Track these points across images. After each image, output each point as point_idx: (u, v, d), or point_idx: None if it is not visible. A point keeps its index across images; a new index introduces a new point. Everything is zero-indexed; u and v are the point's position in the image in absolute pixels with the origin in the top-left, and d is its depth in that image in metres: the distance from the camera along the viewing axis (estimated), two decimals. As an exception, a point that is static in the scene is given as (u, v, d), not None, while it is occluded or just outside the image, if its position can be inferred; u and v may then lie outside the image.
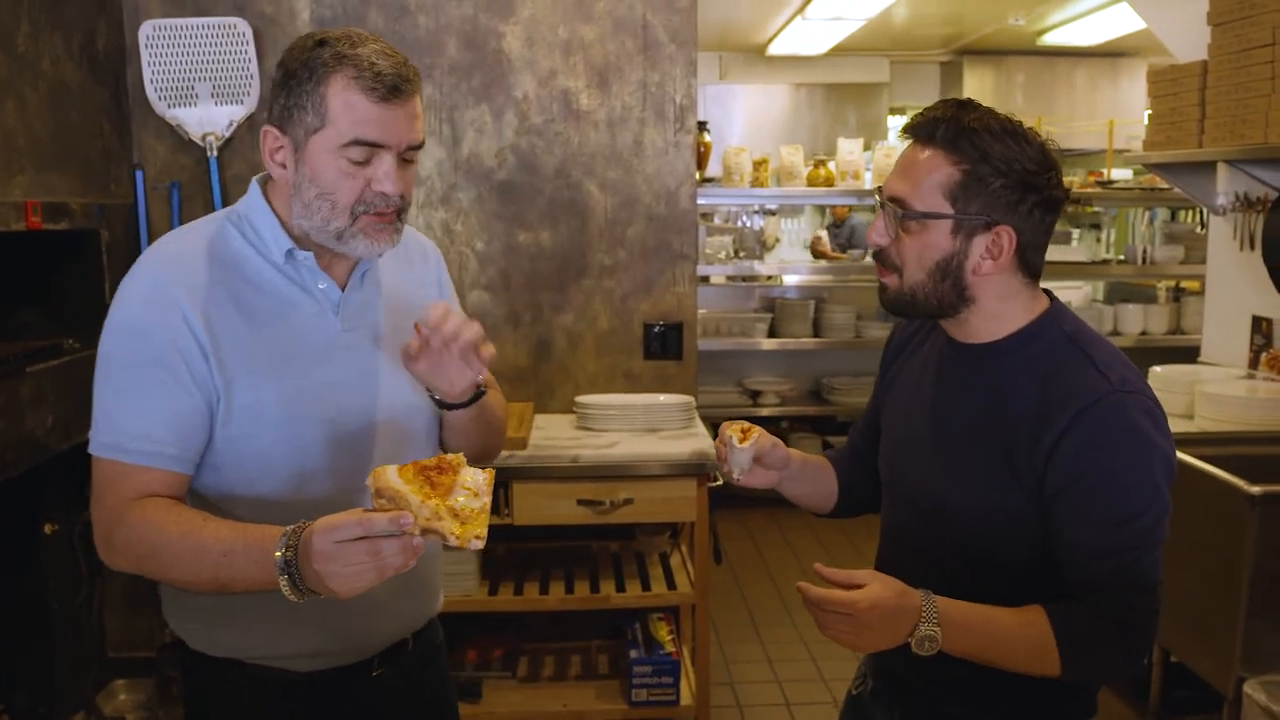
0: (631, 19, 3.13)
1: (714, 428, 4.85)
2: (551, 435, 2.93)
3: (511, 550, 3.14)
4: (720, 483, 2.78)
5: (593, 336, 3.26)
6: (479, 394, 1.46)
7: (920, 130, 1.34)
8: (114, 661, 2.97)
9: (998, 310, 1.37)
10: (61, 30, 2.65)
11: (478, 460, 1.62)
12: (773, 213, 8.03)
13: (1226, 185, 3.36)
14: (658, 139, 3.19)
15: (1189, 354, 3.90)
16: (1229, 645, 2.42)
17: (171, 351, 1.32)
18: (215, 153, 3.03)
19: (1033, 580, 1.34)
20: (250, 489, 1.38)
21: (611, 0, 3.13)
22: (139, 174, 3.04)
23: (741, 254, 5.65)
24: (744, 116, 7.98)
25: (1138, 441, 1.28)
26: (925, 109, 1.37)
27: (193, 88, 2.99)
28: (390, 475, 1.15)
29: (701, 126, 4.75)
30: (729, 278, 5.73)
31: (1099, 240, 8.16)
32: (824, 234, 7.25)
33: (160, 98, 2.98)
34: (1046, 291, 1.42)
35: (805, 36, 6.80)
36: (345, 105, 1.30)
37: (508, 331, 3.23)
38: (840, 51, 7.48)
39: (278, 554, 1.18)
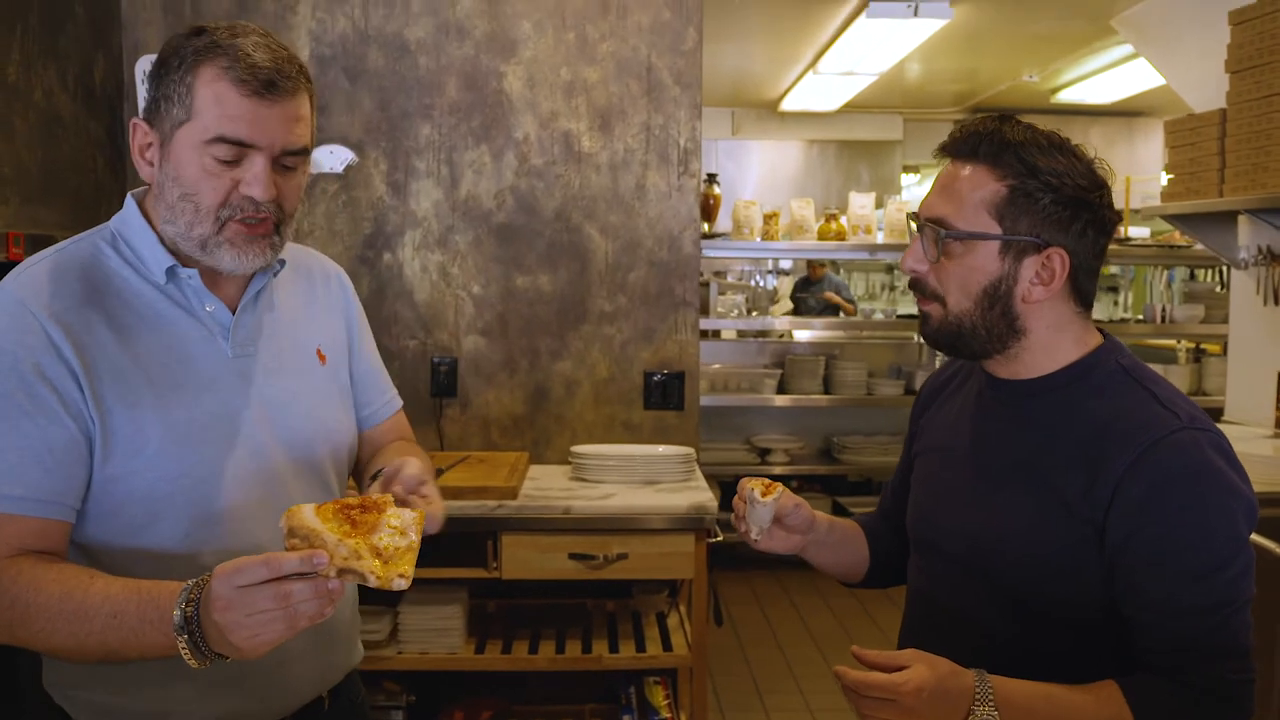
0: (635, 61, 3.08)
1: (720, 486, 4.70)
2: (544, 486, 2.82)
3: (501, 606, 3.00)
4: (720, 539, 2.65)
5: (591, 385, 3.15)
6: None
7: (960, 146, 1.24)
8: None
9: (1049, 342, 1.25)
10: (55, 62, 2.62)
11: None
12: (786, 273, 7.97)
13: (1249, 238, 3.27)
14: (660, 183, 3.12)
15: (1212, 415, 3.76)
16: (1264, 717, 2.27)
17: (38, 379, 1.17)
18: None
19: (1088, 640, 1.20)
20: (140, 539, 1.23)
21: (615, 42, 3.08)
22: (131, 211, 2.98)
23: (754, 313, 5.58)
24: (757, 172, 7.97)
25: (1215, 483, 1.14)
26: (962, 125, 1.26)
27: (188, 124, 2.94)
28: (305, 514, 1.05)
29: (711, 179, 4.71)
30: (740, 332, 5.65)
31: (1116, 303, 8.05)
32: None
33: (155, 134, 2.94)
34: (1100, 330, 1.31)
35: (818, 92, 6.79)
36: (213, 97, 1.19)
37: (504, 378, 3.14)
38: (853, 108, 7.47)
39: (176, 611, 1.04)
